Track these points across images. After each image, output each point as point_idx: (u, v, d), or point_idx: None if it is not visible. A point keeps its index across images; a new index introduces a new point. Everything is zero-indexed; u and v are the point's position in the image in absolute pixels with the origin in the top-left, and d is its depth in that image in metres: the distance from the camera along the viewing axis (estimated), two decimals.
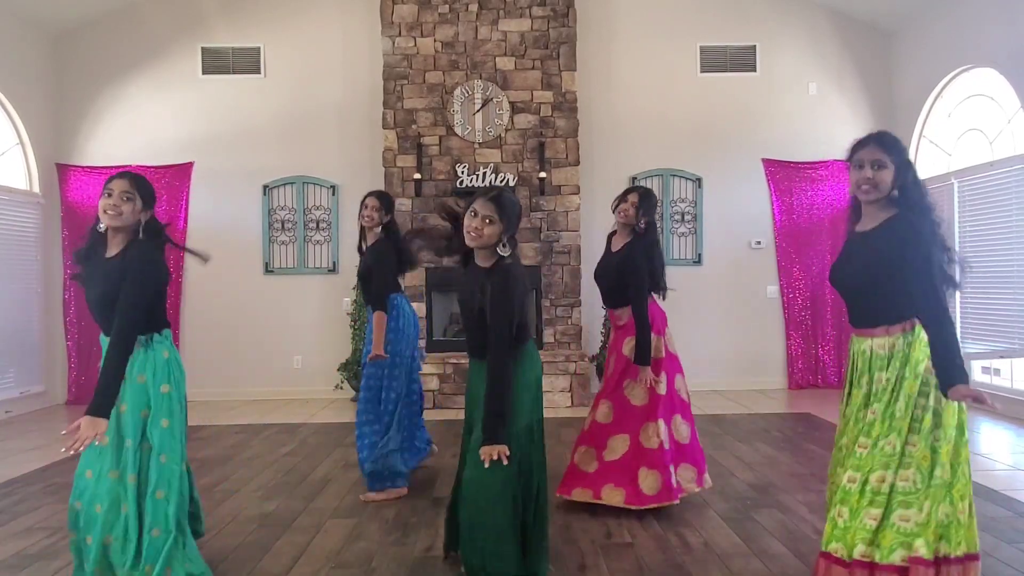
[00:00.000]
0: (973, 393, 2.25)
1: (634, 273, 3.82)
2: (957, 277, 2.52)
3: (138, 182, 2.75)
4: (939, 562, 2.31)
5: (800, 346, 7.98)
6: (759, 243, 8.08)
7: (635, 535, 3.54)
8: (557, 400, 7.06)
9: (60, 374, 7.80)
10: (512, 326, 2.58)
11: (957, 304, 7.04)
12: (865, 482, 2.40)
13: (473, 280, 2.69)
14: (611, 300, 4.03)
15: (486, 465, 2.43)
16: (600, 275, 4.09)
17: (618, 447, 3.84)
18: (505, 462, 2.44)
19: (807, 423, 6.13)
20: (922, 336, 2.41)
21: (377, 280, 4.13)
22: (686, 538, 3.50)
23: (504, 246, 2.65)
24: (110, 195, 2.68)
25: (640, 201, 3.89)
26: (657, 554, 3.31)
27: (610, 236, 4.13)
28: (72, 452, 2.45)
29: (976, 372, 6.97)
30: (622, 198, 3.96)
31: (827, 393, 7.53)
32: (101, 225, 2.72)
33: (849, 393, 2.61)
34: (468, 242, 2.64)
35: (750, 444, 5.40)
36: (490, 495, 2.56)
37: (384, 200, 4.28)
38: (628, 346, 3.89)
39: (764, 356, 8.06)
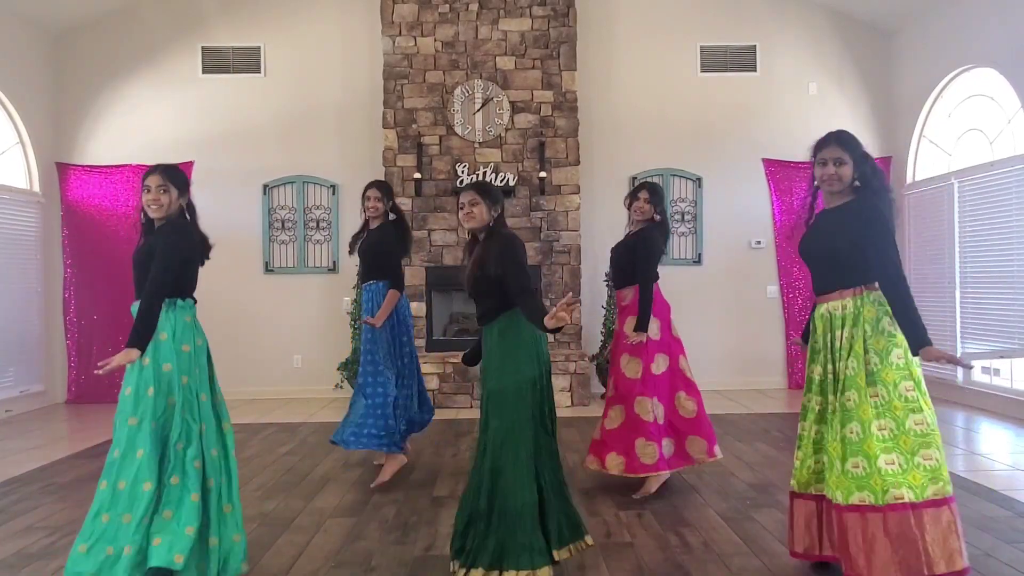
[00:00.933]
0: (946, 355, 2.55)
1: (646, 250, 4.10)
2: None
3: (169, 173, 2.98)
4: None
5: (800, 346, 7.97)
6: (759, 243, 8.08)
7: (635, 535, 3.55)
8: (557, 400, 7.03)
9: (60, 373, 7.80)
10: (525, 273, 2.91)
11: (957, 304, 7.05)
12: (866, 428, 2.65)
13: (475, 251, 3.03)
14: (620, 279, 4.29)
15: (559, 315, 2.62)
16: (613, 259, 4.36)
17: (616, 416, 4.16)
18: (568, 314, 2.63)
19: None
20: (870, 297, 2.74)
21: (393, 259, 4.38)
22: (686, 538, 3.50)
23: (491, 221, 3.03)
24: (148, 191, 2.93)
25: (651, 196, 4.18)
26: (657, 554, 3.31)
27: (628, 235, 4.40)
28: (102, 372, 2.71)
29: (976, 372, 6.97)
30: (633, 196, 4.22)
31: None
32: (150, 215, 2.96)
33: (816, 358, 2.93)
34: (465, 225, 3.05)
35: (750, 444, 5.40)
36: (509, 435, 2.83)
37: (384, 189, 4.51)
38: (629, 325, 4.15)
39: (764, 356, 8.06)
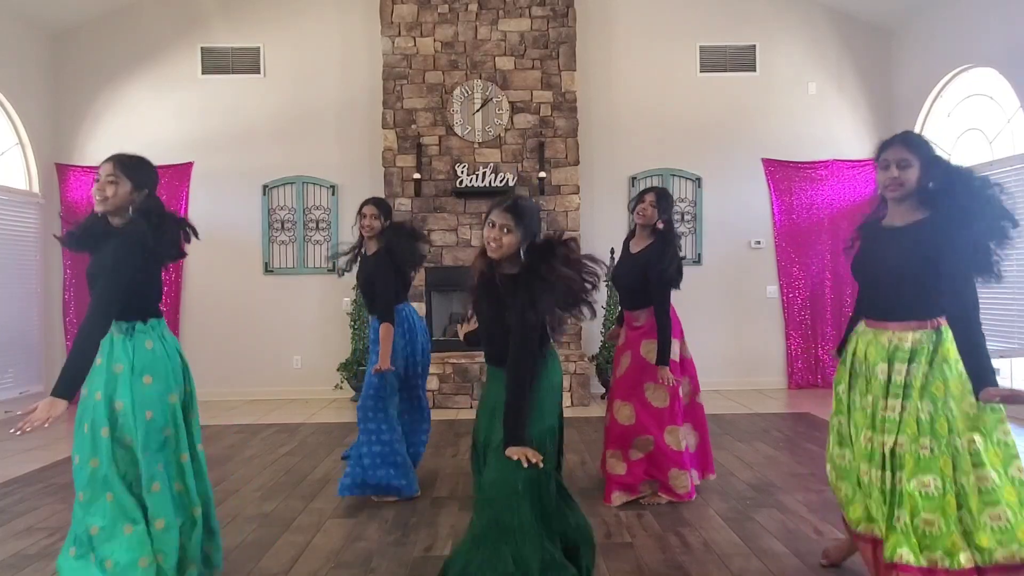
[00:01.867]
0: (1003, 392, 2.30)
1: (660, 275, 3.89)
2: (998, 267, 2.49)
3: (124, 164, 2.65)
4: None
5: (800, 346, 7.98)
6: (759, 243, 8.08)
7: (635, 535, 3.54)
8: None
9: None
10: (534, 332, 2.50)
11: None
12: (947, 483, 2.40)
13: (499, 289, 2.59)
14: (631, 302, 4.07)
15: (524, 464, 2.33)
16: (620, 277, 4.14)
17: (642, 447, 3.95)
18: (537, 463, 2.34)
19: (807, 423, 6.13)
20: (949, 334, 2.48)
21: (381, 291, 4.06)
22: (686, 538, 3.50)
23: (520, 254, 2.57)
24: (97, 179, 2.63)
25: (657, 200, 3.97)
26: (657, 554, 3.31)
27: (627, 241, 4.19)
28: (19, 433, 2.33)
29: None
30: (639, 199, 4.02)
31: (827, 393, 7.52)
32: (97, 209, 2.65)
33: (855, 382, 2.67)
34: (489, 253, 2.57)
35: (750, 444, 5.40)
36: (512, 493, 2.45)
37: (382, 207, 4.20)
38: (646, 348, 3.96)
39: (764, 356, 8.06)
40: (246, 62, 8.00)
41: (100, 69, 7.94)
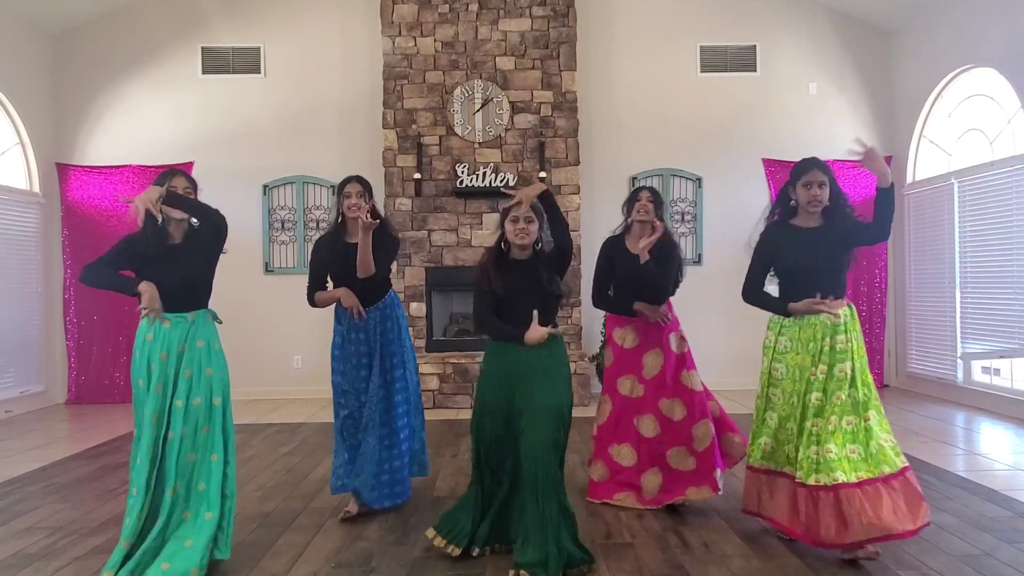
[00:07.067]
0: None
1: (678, 275, 4.17)
2: None
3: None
4: None
5: None
6: None
7: (635, 535, 3.54)
8: None
9: (60, 374, 7.80)
10: (568, 290, 3.43)
11: (957, 304, 7.05)
12: (868, 419, 3.14)
13: (524, 270, 3.29)
14: (660, 296, 4.09)
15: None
16: (635, 278, 3.99)
17: (704, 436, 3.90)
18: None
19: None
20: (852, 308, 3.29)
21: (382, 267, 4.01)
22: (686, 538, 3.50)
23: (539, 241, 3.33)
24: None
25: (654, 196, 4.06)
26: (657, 554, 3.31)
27: (619, 241, 4.15)
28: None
29: (976, 372, 6.97)
30: (634, 198, 4.06)
31: None
32: (158, 219, 3.27)
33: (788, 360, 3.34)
34: (519, 241, 3.25)
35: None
36: (555, 450, 3.12)
37: (367, 185, 3.95)
38: (675, 342, 4.07)
39: None
40: (246, 62, 8.00)
41: (100, 69, 7.94)
